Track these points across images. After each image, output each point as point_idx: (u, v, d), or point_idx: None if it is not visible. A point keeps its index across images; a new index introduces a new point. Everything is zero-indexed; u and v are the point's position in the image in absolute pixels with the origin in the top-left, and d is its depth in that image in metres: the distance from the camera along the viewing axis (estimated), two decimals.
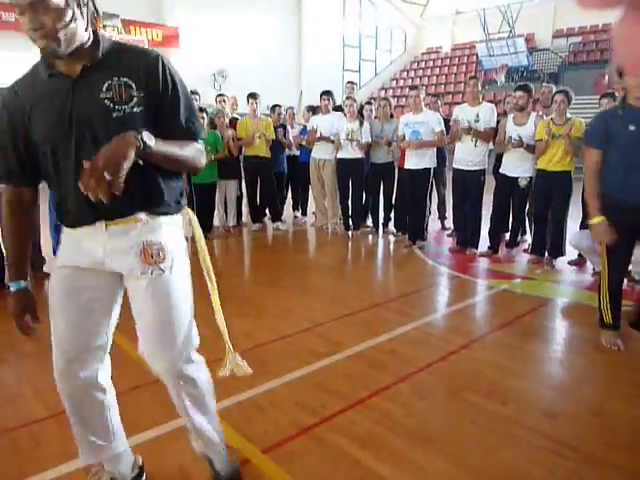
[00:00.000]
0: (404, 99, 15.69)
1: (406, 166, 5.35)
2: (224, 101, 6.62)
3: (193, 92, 6.35)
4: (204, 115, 5.66)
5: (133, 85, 1.30)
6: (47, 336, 1.46)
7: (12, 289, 1.47)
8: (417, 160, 5.22)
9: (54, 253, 4.56)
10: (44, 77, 1.33)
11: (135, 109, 1.30)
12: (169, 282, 1.42)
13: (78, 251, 1.41)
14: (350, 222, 6.08)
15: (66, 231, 1.45)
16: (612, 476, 1.81)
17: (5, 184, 1.45)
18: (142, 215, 1.38)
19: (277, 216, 6.52)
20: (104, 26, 10.95)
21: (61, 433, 2.05)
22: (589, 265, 4.52)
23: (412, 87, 5.39)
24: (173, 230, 1.46)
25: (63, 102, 1.30)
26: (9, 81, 1.40)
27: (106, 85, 1.29)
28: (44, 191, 1.54)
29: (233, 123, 6.28)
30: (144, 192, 1.37)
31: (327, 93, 6.04)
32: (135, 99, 1.30)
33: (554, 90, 4.75)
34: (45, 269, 4.34)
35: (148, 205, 1.39)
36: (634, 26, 0.36)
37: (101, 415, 1.54)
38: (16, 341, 3.15)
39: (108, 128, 1.26)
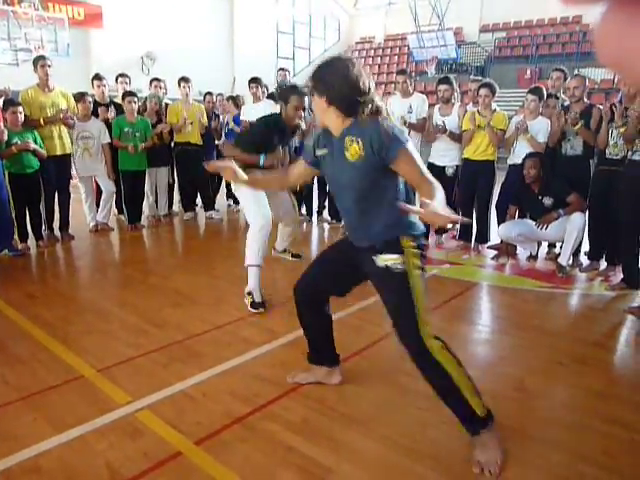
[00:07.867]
0: None
1: None
2: (160, 86, 6.08)
3: (123, 75, 6.03)
4: (135, 99, 5.41)
5: None
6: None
7: None
8: None
9: None
10: None
11: None
12: None
13: None
14: None
15: None
16: (531, 446, 1.94)
17: None
18: None
19: (210, 205, 6.38)
20: (20, 2, 10.12)
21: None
22: (520, 251, 4.73)
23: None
24: None
25: None
26: None
27: None
28: None
29: (164, 108, 6.03)
30: None
31: (255, 80, 5.85)
32: None
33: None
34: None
35: None
36: (624, 20, 0.28)
37: None
38: None
39: None
